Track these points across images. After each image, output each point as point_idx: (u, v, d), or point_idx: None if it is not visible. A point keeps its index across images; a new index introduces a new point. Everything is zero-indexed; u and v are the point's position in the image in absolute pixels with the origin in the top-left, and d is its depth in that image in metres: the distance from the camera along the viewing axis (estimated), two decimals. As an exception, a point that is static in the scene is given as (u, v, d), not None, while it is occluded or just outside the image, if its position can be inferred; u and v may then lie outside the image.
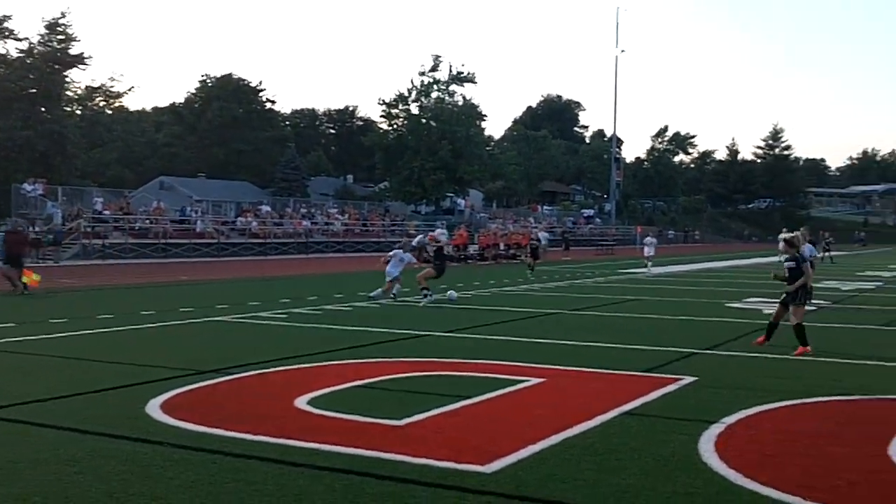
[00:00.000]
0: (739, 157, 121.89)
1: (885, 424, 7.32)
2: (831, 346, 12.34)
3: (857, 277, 29.93)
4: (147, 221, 44.49)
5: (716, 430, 7.07)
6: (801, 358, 11.14)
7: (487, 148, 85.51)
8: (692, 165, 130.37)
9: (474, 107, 76.89)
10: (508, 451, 6.30)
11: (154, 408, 7.74)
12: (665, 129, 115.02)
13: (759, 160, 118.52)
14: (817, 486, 5.56)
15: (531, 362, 10.51)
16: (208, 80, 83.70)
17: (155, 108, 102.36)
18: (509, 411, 7.80)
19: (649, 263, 33.01)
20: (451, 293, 19.67)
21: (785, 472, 5.89)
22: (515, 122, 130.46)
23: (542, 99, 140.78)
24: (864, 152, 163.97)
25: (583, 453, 6.33)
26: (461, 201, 76.29)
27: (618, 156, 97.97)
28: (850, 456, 6.32)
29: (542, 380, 9.34)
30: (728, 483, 5.64)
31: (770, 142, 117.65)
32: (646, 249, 33.90)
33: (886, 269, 37.49)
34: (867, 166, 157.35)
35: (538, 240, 34.91)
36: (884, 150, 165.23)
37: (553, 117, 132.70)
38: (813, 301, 18.48)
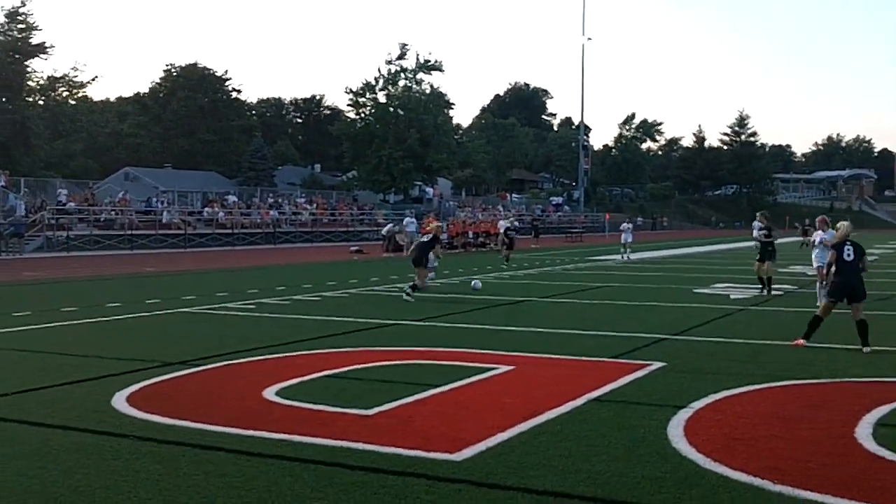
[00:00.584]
0: (706, 143, 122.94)
1: (852, 407, 7.38)
2: (799, 331, 12.45)
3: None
4: (112, 213, 43.99)
5: (684, 414, 7.10)
6: (770, 343, 11.24)
7: (455, 136, 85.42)
8: (659, 152, 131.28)
9: (442, 95, 76.81)
10: (478, 438, 6.28)
11: (120, 401, 7.63)
12: (632, 116, 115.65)
13: (725, 147, 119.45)
14: (786, 468, 5.59)
15: (501, 350, 10.51)
16: (173, 70, 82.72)
17: (119, 99, 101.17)
18: (479, 399, 7.78)
19: (628, 250, 33.30)
20: (476, 283, 19.51)
21: (754, 455, 5.92)
22: (483, 110, 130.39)
23: (510, 87, 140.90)
24: (829, 138, 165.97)
25: (552, 440, 6.33)
26: (430, 190, 76.23)
27: (586, 143, 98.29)
28: (819, 439, 6.37)
29: (511, 367, 9.33)
30: (697, 467, 5.66)
31: (736, 128, 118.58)
32: (623, 236, 34.16)
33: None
34: (832, 152, 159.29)
35: (514, 228, 34.83)
36: (848, 135, 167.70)
37: (521, 105, 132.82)
38: (779, 287, 18.71)
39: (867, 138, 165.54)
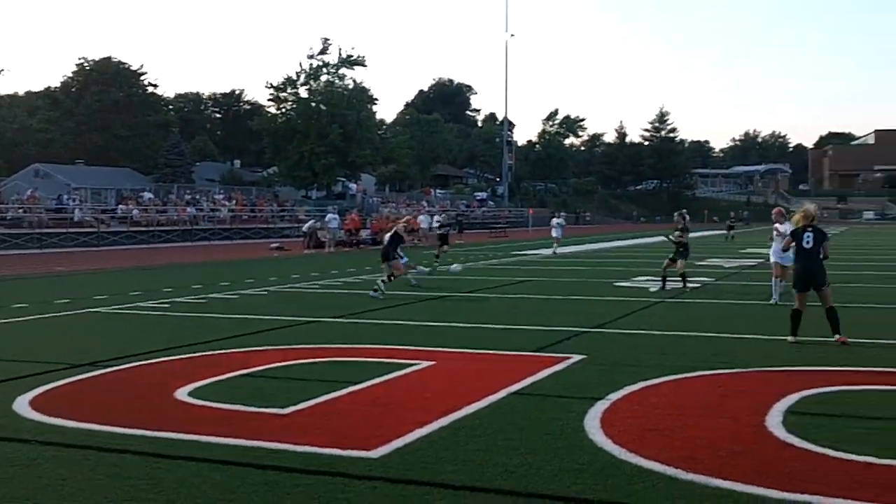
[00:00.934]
0: (627, 139, 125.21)
1: (763, 396, 7.52)
2: (714, 322, 12.69)
3: (740, 255, 31.01)
4: (20, 211, 42.52)
5: (602, 406, 7.13)
6: (688, 334, 11.41)
7: (379, 132, 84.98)
8: (582, 148, 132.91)
9: (365, 90, 76.18)
10: (396, 435, 6.20)
11: (22, 405, 7.33)
12: (555, 112, 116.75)
13: (646, 142, 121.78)
14: (699, 457, 5.65)
15: (421, 346, 10.44)
16: (86, 64, 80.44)
17: (28, 93, 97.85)
18: (398, 395, 7.70)
19: (556, 245, 33.25)
20: (455, 266, 19.27)
21: (668, 444, 5.98)
22: (407, 105, 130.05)
23: (434, 83, 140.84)
24: (746, 134, 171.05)
25: (471, 434, 6.28)
26: (353, 186, 75.66)
27: (510, 139, 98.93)
28: (731, 427, 6.46)
29: (431, 363, 9.27)
30: (613, 458, 5.68)
31: (657, 125, 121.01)
32: (553, 231, 34.04)
33: (766, 246, 38.81)
34: (749, 147, 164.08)
35: (448, 224, 34.60)
36: (764, 131, 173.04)
37: (445, 101, 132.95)
38: (695, 279, 19.04)
39: (782, 134, 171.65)
